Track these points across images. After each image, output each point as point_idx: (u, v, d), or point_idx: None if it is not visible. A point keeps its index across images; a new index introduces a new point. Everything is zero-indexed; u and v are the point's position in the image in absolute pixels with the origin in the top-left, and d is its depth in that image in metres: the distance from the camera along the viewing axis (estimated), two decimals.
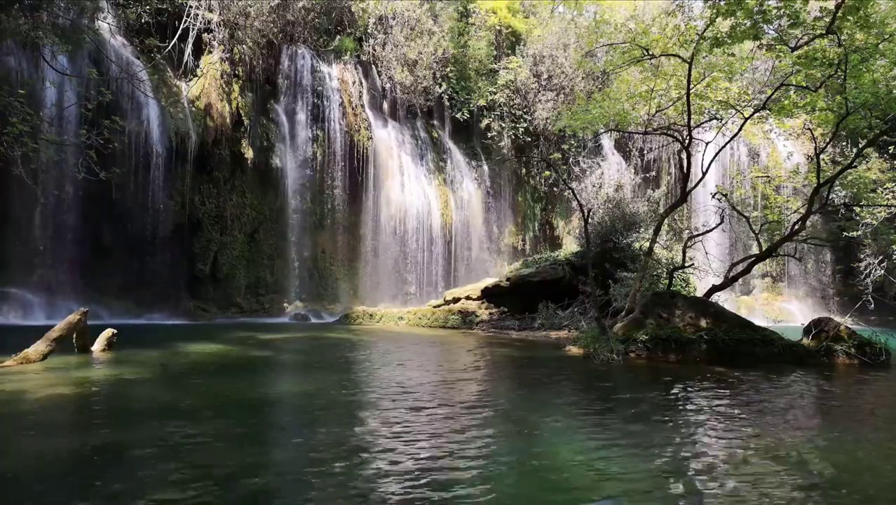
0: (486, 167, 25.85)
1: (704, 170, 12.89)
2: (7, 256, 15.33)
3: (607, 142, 27.12)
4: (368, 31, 23.44)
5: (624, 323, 10.64)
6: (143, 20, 18.10)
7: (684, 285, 16.00)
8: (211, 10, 19.15)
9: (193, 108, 18.63)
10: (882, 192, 16.23)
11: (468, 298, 18.13)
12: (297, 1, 21.26)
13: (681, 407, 6.06)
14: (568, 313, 15.52)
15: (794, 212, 16.12)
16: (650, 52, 12.14)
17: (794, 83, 11.63)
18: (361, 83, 22.90)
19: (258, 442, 4.42)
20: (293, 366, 9.38)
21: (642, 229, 17.13)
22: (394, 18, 23.48)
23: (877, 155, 19.14)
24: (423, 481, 3.57)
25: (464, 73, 25.09)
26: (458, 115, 24.79)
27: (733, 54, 11.68)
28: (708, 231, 13.76)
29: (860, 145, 12.05)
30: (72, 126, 15.02)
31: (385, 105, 23.93)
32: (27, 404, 5.50)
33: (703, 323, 9.97)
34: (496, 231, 25.88)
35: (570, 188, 15.54)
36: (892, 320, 19.09)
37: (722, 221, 13.77)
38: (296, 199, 20.84)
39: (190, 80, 19.19)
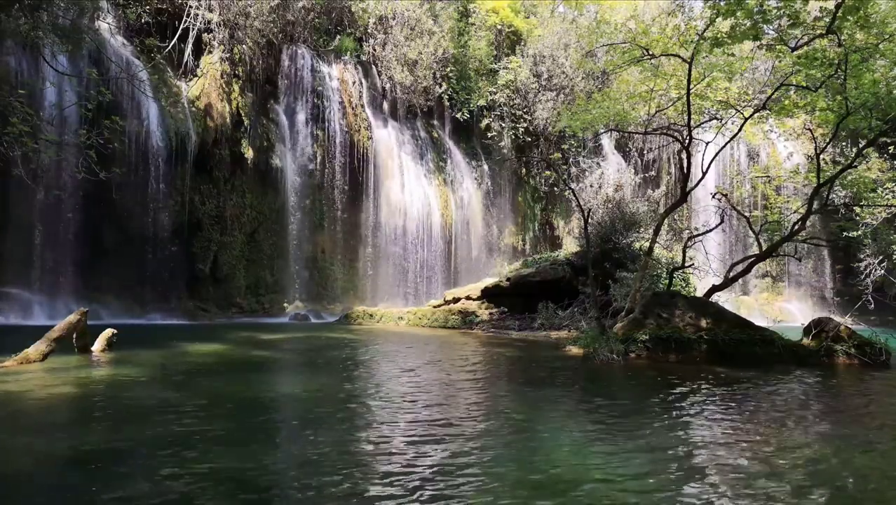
0: (486, 167, 25.85)
1: (704, 170, 12.89)
2: (7, 255, 15.32)
3: (607, 142, 27.12)
4: (368, 31, 23.44)
5: (624, 323, 10.63)
6: (143, 20, 18.09)
7: (684, 285, 16.00)
8: (211, 10, 19.14)
9: (193, 108, 18.63)
10: (882, 192, 16.22)
11: (468, 298, 18.13)
12: (297, 1, 21.25)
13: (681, 407, 6.06)
14: (568, 313, 15.51)
15: (794, 212, 16.12)
16: (650, 52, 12.14)
17: (794, 83, 11.63)
18: (361, 83, 22.90)
19: (258, 443, 4.42)
20: (293, 366, 9.38)
21: (642, 229, 17.13)
22: (394, 18, 23.48)
23: (877, 155, 19.13)
24: (421, 482, 3.57)
25: (464, 73, 25.09)
26: (458, 115, 24.79)
27: (733, 54, 11.68)
28: (708, 231, 13.76)
29: (860, 145, 12.04)
30: (72, 126, 15.00)
31: (385, 105, 23.93)
32: (27, 404, 5.50)
33: (703, 323, 9.96)
34: (496, 231, 25.89)
35: (570, 188, 15.55)
36: (892, 320, 19.05)
37: (722, 221, 13.77)
38: (296, 199, 20.84)
39: (190, 80, 19.18)
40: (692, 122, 12.23)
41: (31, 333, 8.68)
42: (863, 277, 20.32)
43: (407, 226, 22.71)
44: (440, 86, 24.13)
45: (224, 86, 19.50)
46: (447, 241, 23.69)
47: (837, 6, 9.71)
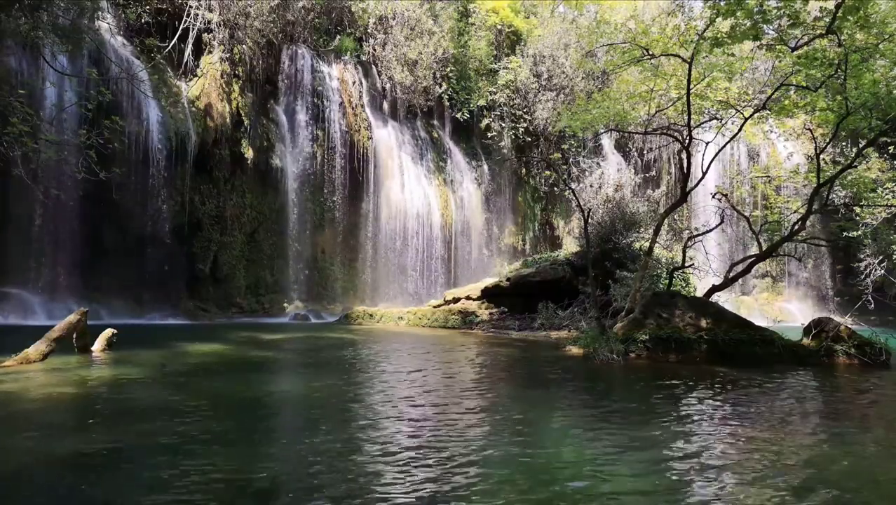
0: (486, 167, 25.86)
1: (704, 170, 12.89)
2: (7, 255, 15.32)
3: (607, 142, 27.13)
4: (368, 31, 23.44)
5: (624, 323, 10.63)
6: (143, 20, 18.10)
7: (684, 285, 16.00)
8: (211, 10, 19.14)
9: (193, 108, 18.63)
10: (882, 192, 16.22)
11: (468, 298, 18.13)
12: (297, 1, 21.26)
13: (682, 407, 6.05)
14: (568, 313, 15.51)
15: (794, 212, 16.12)
16: (650, 52, 12.14)
17: (794, 83, 11.63)
18: (361, 83, 22.90)
19: (258, 443, 4.42)
20: (293, 366, 9.38)
21: (642, 229, 17.13)
22: (394, 18, 23.49)
23: (877, 155, 19.14)
24: (421, 482, 3.56)
25: (464, 73, 25.10)
26: (458, 115, 24.79)
27: (733, 54, 11.68)
28: (708, 231, 13.76)
29: (860, 145, 12.04)
30: (72, 126, 15.01)
31: (385, 105, 23.93)
32: (27, 404, 5.49)
33: (703, 323, 9.96)
34: (496, 231, 25.89)
35: (570, 188, 15.55)
36: (892, 320, 19.07)
37: (722, 221, 13.76)
38: (296, 199, 20.84)
39: (190, 80, 19.18)
40: (692, 122, 12.22)
41: (31, 333, 8.68)
42: (863, 277, 20.33)
43: (407, 226, 22.72)
44: (440, 86, 24.13)
45: (224, 86, 19.51)
46: (447, 241, 23.69)
47: (837, 6, 9.70)
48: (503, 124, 25.44)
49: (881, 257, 19.57)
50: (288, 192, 20.70)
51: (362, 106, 22.62)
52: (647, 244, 13.38)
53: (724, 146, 14.04)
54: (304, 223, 21.05)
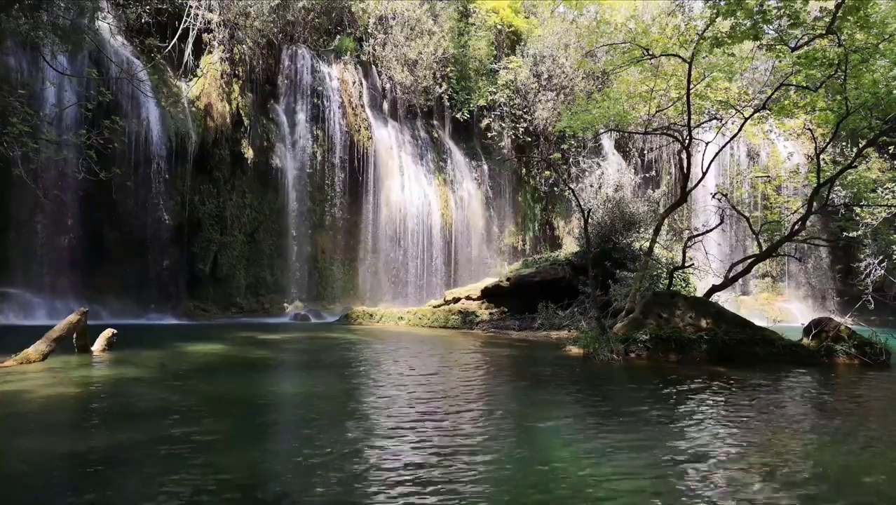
0: (486, 167, 25.86)
1: (704, 170, 12.89)
2: (7, 255, 15.33)
3: (607, 142, 27.12)
4: (368, 31, 23.45)
5: (624, 323, 10.63)
6: (143, 20, 18.10)
7: (684, 285, 15.99)
8: (211, 10, 19.15)
9: (193, 108, 18.63)
10: (882, 192, 16.24)
11: (468, 298, 18.12)
12: (297, 1, 21.26)
13: (681, 407, 6.05)
14: (568, 313, 15.51)
15: (794, 212, 16.14)
16: (650, 52, 12.14)
17: (794, 83, 11.64)
18: (361, 83, 22.91)
19: (258, 443, 4.42)
20: (294, 366, 9.38)
21: (642, 229, 17.12)
22: (394, 18, 23.49)
23: (877, 155, 19.16)
24: (422, 482, 3.56)
25: (464, 73, 25.10)
26: (458, 115, 24.79)
27: (733, 54, 11.69)
28: (708, 231, 13.76)
29: (860, 145, 12.04)
30: (72, 126, 15.01)
31: (385, 105, 23.93)
32: (27, 404, 5.49)
33: (703, 323, 9.96)
34: (496, 231, 25.89)
35: (570, 188, 15.55)
36: (892, 320, 19.08)
37: (722, 221, 13.77)
38: (296, 199, 20.85)
39: (190, 80, 19.19)
40: (692, 122, 12.23)
41: (31, 333, 8.67)
42: (863, 276, 20.33)
43: (407, 226, 22.72)
44: (440, 86, 24.13)
45: (224, 86, 19.51)
46: (447, 241, 23.70)
47: (837, 6, 9.71)
48: (503, 124, 25.44)
49: (881, 257, 19.58)
50: (288, 192, 20.71)
51: (362, 106, 22.62)
52: (647, 244, 13.38)
53: (724, 146, 14.05)
54: (304, 223, 21.06)
